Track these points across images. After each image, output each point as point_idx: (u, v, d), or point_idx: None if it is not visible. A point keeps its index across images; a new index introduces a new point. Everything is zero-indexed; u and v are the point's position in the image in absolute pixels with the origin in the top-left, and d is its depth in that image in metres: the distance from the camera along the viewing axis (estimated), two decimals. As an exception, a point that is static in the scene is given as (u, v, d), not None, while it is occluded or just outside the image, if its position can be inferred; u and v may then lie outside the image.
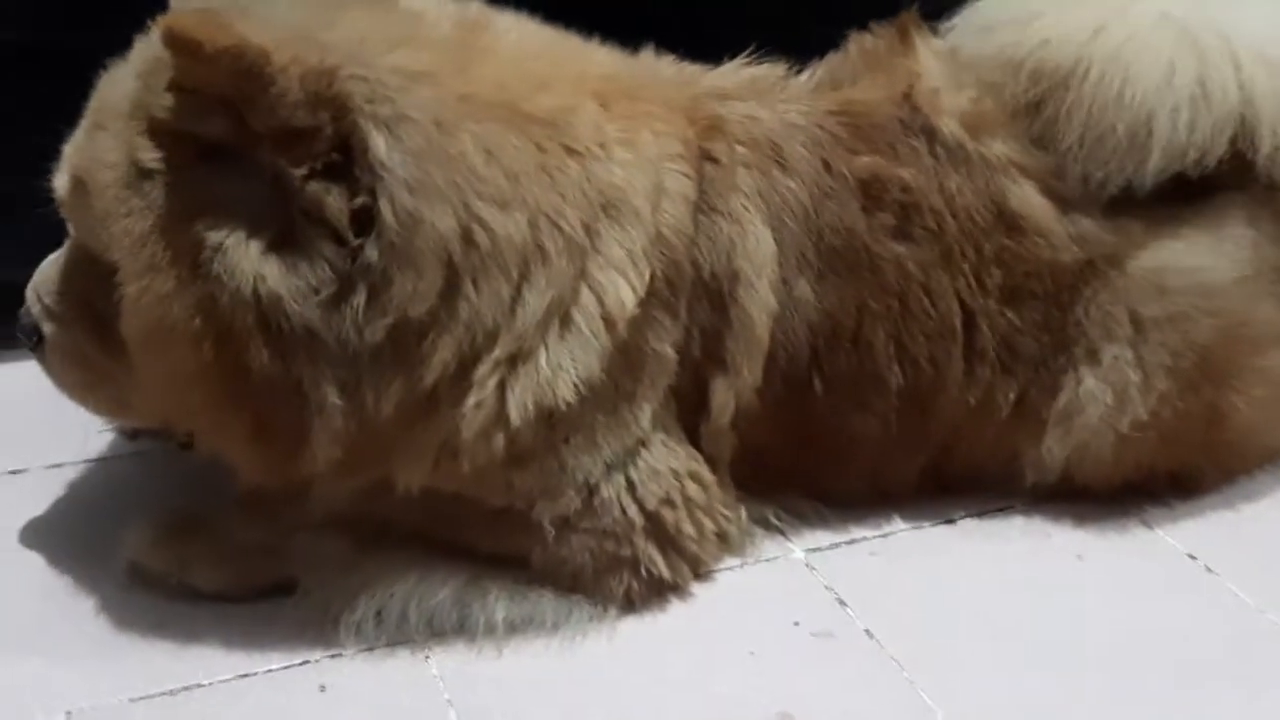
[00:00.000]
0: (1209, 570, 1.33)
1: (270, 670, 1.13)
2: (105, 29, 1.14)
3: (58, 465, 1.40)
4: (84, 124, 1.12)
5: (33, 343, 1.19)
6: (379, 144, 1.03)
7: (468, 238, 1.07)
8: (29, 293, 1.19)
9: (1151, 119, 1.28)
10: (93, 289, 1.13)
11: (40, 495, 1.35)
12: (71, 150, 1.12)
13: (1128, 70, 1.28)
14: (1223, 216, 1.35)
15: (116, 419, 1.30)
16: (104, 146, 1.07)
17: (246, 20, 1.02)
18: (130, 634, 1.16)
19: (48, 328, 1.18)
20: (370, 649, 1.15)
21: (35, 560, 1.25)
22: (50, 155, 1.15)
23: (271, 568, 1.19)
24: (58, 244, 1.23)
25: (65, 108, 1.14)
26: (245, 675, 1.12)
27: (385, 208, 1.04)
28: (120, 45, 1.14)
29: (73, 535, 1.29)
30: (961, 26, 1.40)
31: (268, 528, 1.20)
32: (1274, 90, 1.31)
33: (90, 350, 1.16)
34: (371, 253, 1.04)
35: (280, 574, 1.19)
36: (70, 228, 1.16)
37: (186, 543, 1.21)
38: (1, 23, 1.51)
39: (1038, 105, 1.31)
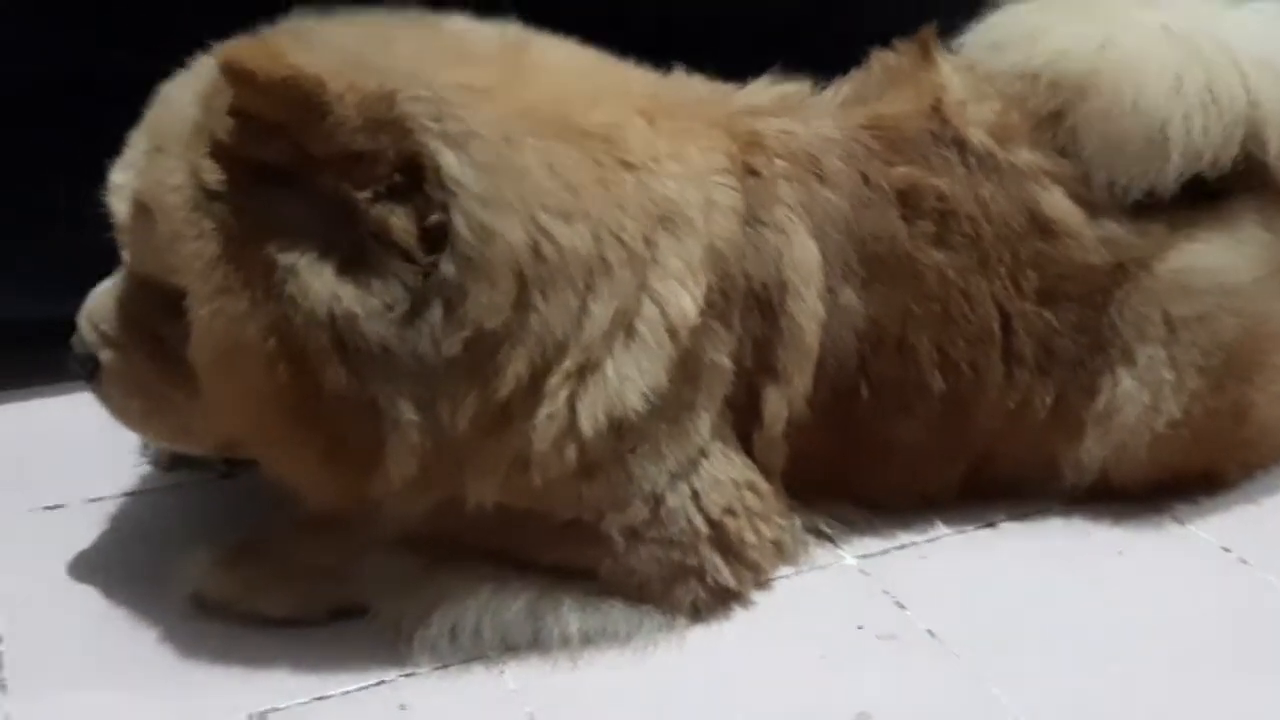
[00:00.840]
0: (1243, 561, 1.37)
1: (347, 692, 1.11)
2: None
3: (97, 499, 1.38)
4: (139, 148, 1.12)
5: (87, 371, 1.17)
6: (450, 160, 1.04)
7: (536, 250, 1.08)
8: (82, 321, 1.18)
9: (1166, 125, 1.32)
10: (154, 314, 1.13)
11: (83, 529, 1.33)
12: (131, 175, 1.11)
13: (1138, 80, 1.32)
14: (1239, 219, 1.39)
15: (173, 446, 1.29)
16: (167, 169, 1.07)
17: (302, 48, 1.03)
18: (197, 661, 1.14)
19: (105, 355, 1.16)
20: (445, 666, 1.14)
21: (89, 593, 1.23)
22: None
23: (339, 589, 1.18)
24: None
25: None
26: (321, 698, 1.11)
27: (460, 222, 1.05)
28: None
29: (123, 567, 1.27)
30: (971, 44, 1.44)
31: (334, 549, 1.19)
32: (1278, 93, 1.37)
33: (151, 376, 1.15)
34: (448, 267, 1.05)
35: (348, 596, 1.18)
36: (126, 254, 1.15)
37: (251, 568, 1.20)
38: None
39: (1058, 115, 1.36)
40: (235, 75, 0.98)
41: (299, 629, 1.18)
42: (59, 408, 1.54)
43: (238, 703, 1.10)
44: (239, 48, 1.00)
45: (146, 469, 1.43)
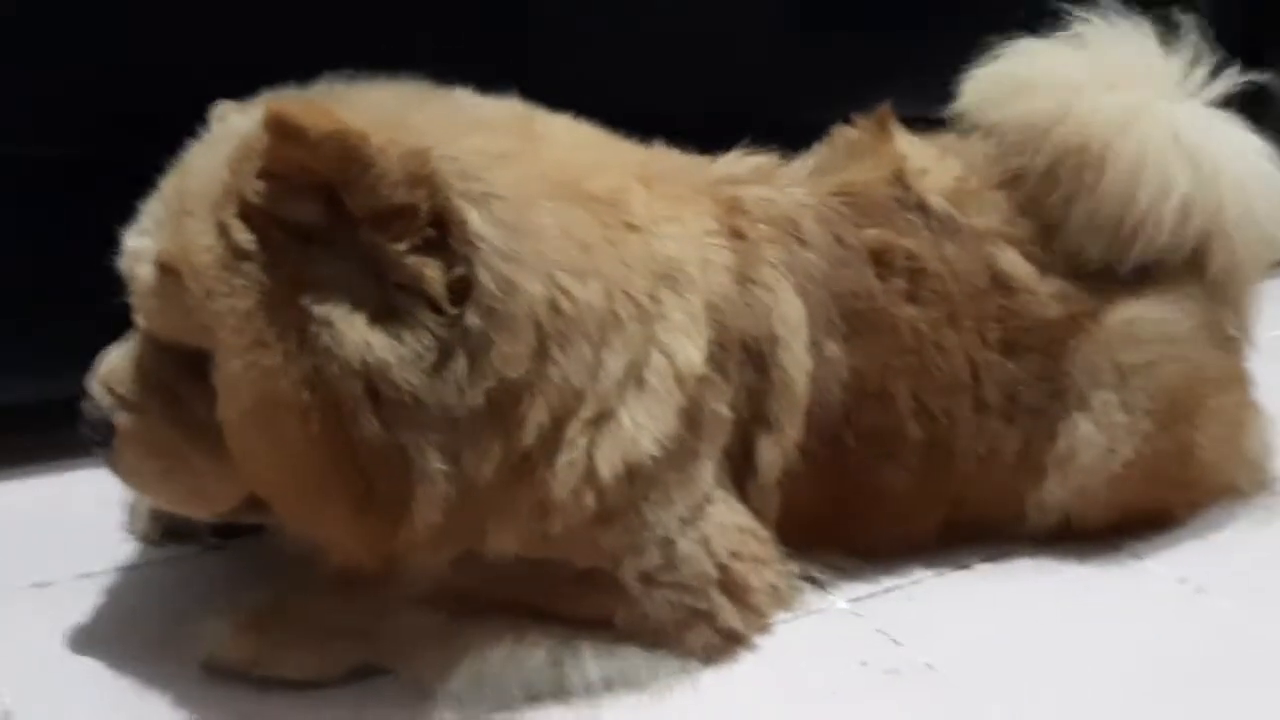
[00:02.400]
0: (1200, 591, 1.46)
1: (374, 748, 1.12)
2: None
3: (87, 575, 1.36)
4: (160, 213, 1.14)
5: (101, 436, 1.17)
6: (474, 217, 1.09)
7: (554, 305, 1.13)
8: (95, 387, 1.18)
9: (1145, 220, 1.44)
10: (174, 375, 1.14)
11: (77, 605, 1.30)
12: (153, 240, 1.13)
13: (1140, 174, 1.44)
14: (1178, 275, 1.51)
15: (184, 510, 1.27)
16: (195, 231, 1.09)
17: (343, 107, 1.08)
18: (217, 726, 1.14)
19: (122, 418, 1.16)
20: (469, 718, 1.15)
21: (94, 665, 1.21)
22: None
23: (361, 649, 1.19)
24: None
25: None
26: (349, 755, 1.11)
27: (484, 275, 1.09)
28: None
29: (125, 639, 1.25)
30: (973, 91, 1.54)
31: (354, 609, 1.20)
32: (1239, 215, 1.50)
33: (170, 438, 1.15)
34: (472, 319, 1.09)
35: (370, 654, 1.18)
36: (143, 318, 1.16)
37: (270, 631, 1.19)
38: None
39: (1018, 178, 1.47)
40: (283, 129, 1.02)
41: (318, 690, 1.17)
42: (39, 487, 1.52)
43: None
44: (286, 103, 1.03)
45: (134, 545, 1.41)
